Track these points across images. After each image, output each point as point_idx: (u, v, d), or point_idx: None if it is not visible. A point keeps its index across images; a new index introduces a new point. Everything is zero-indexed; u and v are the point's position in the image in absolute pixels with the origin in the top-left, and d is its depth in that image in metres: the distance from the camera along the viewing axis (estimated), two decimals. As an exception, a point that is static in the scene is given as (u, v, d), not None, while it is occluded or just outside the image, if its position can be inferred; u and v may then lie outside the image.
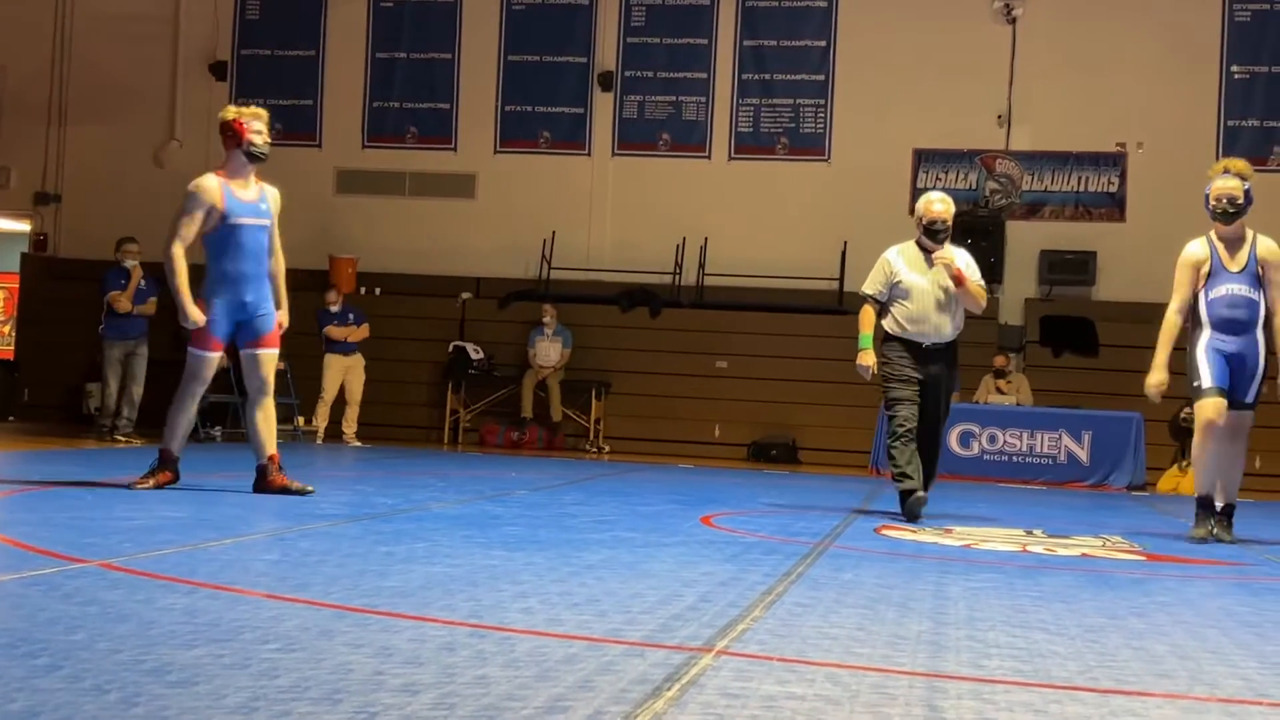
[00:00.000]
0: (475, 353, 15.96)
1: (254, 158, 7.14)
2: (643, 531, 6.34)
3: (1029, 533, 7.37)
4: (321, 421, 14.42)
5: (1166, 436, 13.53)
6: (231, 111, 7.24)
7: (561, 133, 17.03)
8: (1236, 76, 15.60)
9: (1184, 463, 13.31)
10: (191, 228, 7.01)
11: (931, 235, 7.90)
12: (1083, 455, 13.18)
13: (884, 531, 6.99)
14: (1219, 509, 7.24)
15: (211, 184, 7.07)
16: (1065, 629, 3.97)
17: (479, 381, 15.98)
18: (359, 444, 14.24)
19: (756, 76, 16.66)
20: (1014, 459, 13.35)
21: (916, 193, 16.25)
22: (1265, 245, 7.18)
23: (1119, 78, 15.64)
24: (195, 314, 7.00)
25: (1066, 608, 4.44)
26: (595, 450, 15.42)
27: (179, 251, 6.99)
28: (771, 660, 3.27)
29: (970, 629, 3.89)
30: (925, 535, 6.83)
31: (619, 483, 10.31)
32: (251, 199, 7.12)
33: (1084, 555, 6.31)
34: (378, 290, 16.63)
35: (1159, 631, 4.01)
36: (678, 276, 16.50)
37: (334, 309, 14.71)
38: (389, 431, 15.35)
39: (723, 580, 4.64)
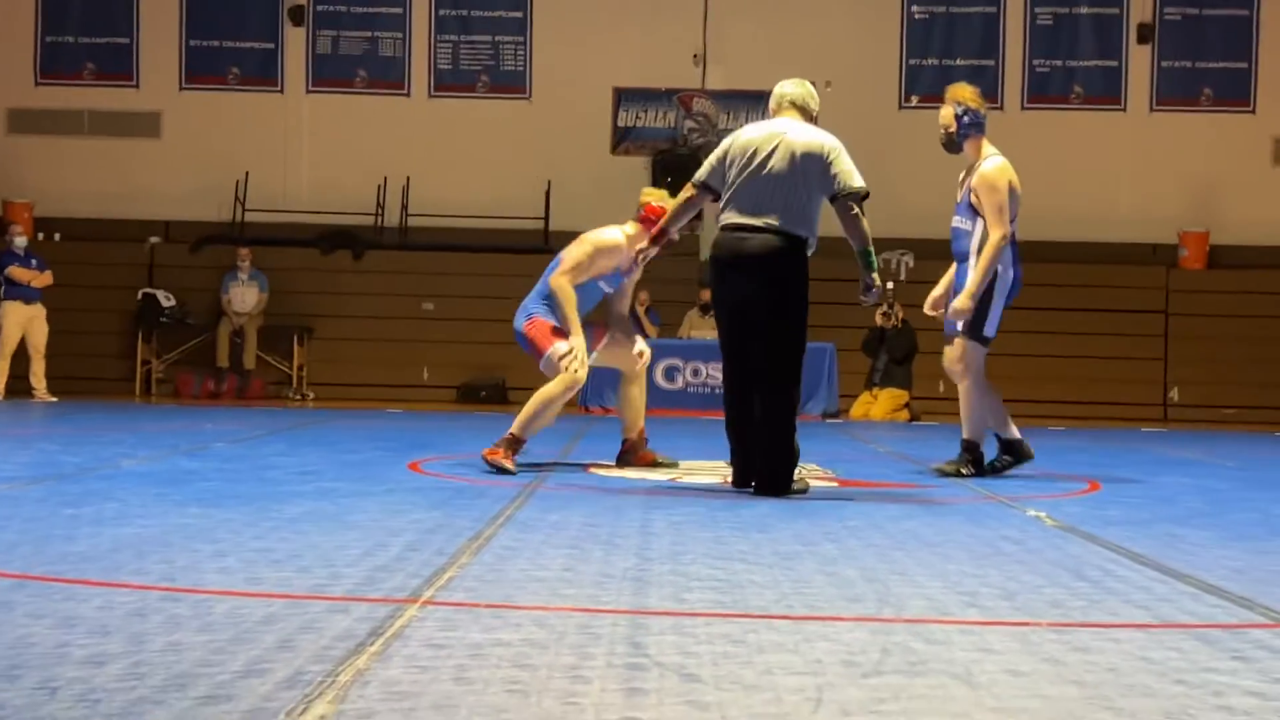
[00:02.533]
0: (166, 300, 15.30)
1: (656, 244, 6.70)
2: (348, 481, 6.23)
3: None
4: (1, 377, 13.56)
5: (858, 365, 14.11)
6: (654, 197, 6.92)
7: (252, 69, 16.39)
8: (917, 17, 16.28)
9: (875, 390, 13.95)
10: (592, 274, 6.89)
11: None
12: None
13: (593, 470, 7.07)
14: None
15: (624, 249, 6.87)
16: (763, 558, 4.10)
17: (172, 330, 15.33)
18: (52, 399, 13.46)
19: (454, 12, 16.42)
20: (717, 391, 13.69)
21: (618, 131, 16.39)
22: (979, 172, 6.88)
23: (807, 17, 16.09)
24: (572, 344, 6.70)
25: (764, 536, 4.58)
26: (299, 398, 15.06)
27: (569, 286, 6.78)
28: (478, 607, 3.25)
29: (674, 563, 3.97)
30: (631, 472, 6.94)
31: (324, 431, 10.09)
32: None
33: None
34: (58, 236, 15.72)
35: (850, 556, 4.18)
36: (380, 217, 16.19)
37: (19, 242, 13.74)
38: (77, 385, 14.57)
39: (430, 528, 4.60)
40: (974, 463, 6.98)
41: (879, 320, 13.84)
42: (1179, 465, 8.73)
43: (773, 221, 5.93)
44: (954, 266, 7.08)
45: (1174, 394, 15.28)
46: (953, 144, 7.04)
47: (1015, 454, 7.05)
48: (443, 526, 4.62)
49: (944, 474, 6.96)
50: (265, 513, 4.89)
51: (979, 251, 6.81)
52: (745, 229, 5.95)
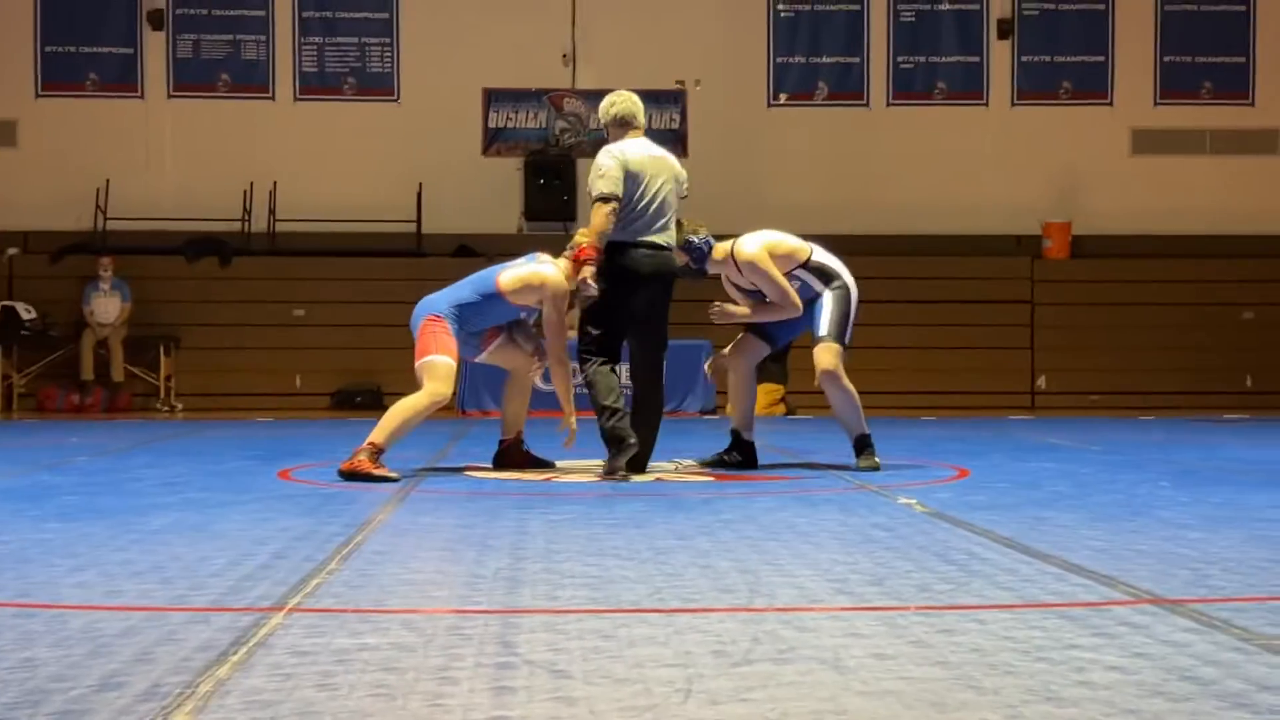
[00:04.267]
0: (27, 312, 14.84)
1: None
2: (215, 491, 6.09)
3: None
4: None
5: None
6: (588, 239, 6.64)
7: (111, 74, 15.96)
8: (783, 14, 16.41)
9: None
10: (527, 302, 6.86)
11: None
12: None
13: (469, 472, 7.01)
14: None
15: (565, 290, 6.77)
16: (637, 553, 4.09)
17: (33, 343, 14.86)
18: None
19: (318, 14, 16.15)
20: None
21: (489, 132, 16.30)
22: (741, 261, 6.97)
23: (674, 15, 16.12)
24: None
25: (639, 533, 4.58)
26: (167, 409, 14.72)
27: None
28: (345, 612, 3.20)
29: (547, 562, 3.94)
30: (507, 474, 6.89)
31: (192, 442, 9.88)
32: None
33: (658, 480, 6.54)
34: (-90, 249, 15.20)
35: (724, 549, 4.19)
36: (247, 223, 15.88)
37: None
38: (-67, 402, 14.10)
39: (299, 535, 4.52)
40: (869, 450, 6.90)
41: (753, 316, 13.93)
42: (1046, 451, 8.92)
43: (670, 241, 6.74)
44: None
45: (1041, 382, 15.62)
46: (702, 272, 7.11)
47: (747, 456, 7.12)
48: (312, 533, 4.54)
49: (866, 470, 6.78)
50: (128, 526, 4.76)
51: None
52: (659, 247, 6.67)
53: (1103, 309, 15.62)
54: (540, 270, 6.73)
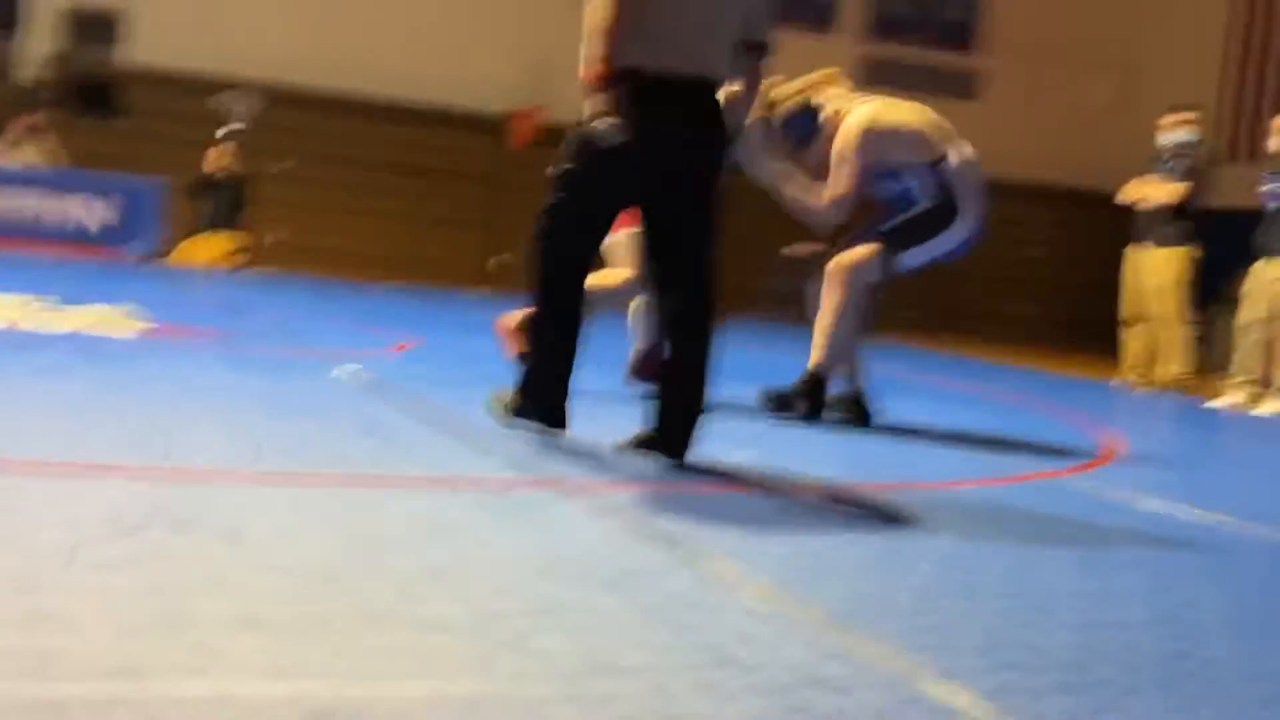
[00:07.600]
0: None
1: None
2: None
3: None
4: None
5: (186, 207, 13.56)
6: None
7: None
8: None
9: (206, 234, 13.45)
10: None
11: None
12: (102, 220, 12.85)
13: None
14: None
15: None
16: (50, 408, 3.86)
17: None
18: None
19: None
20: (28, 221, 12.71)
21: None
22: None
23: None
24: None
25: (53, 384, 4.31)
26: None
27: None
28: None
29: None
30: None
31: None
32: None
33: (73, 332, 6.14)
34: None
35: (142, 407, 4.02)
36: None
37: None
38: None
39: None
40: (810, 395, 5.34)
41: (213, 167, 13.29)
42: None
43: (713, 73, 4.04)
44: None
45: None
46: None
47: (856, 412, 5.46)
48: None
49: (772, 405, 5.35)
50: None
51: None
52: (687, 82, 4.00)
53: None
54: None
